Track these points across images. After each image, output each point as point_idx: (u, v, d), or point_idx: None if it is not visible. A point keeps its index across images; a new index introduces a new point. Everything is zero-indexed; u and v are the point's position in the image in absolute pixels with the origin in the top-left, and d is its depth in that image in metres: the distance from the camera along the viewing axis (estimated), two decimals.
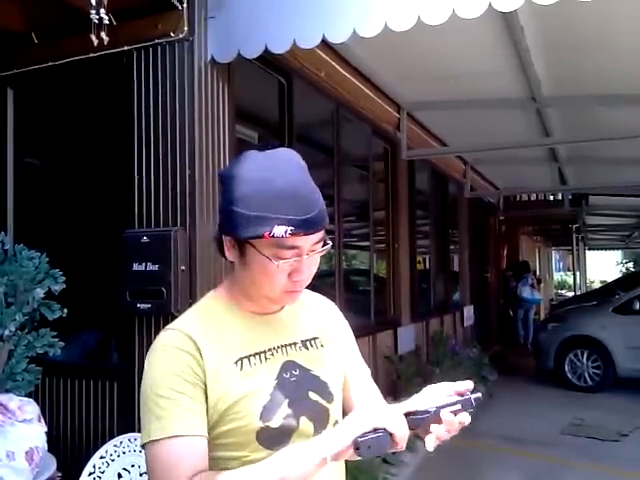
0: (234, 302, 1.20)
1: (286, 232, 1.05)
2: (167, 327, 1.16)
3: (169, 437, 1.05)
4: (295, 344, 1.22)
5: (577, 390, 7.79)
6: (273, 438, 1.10)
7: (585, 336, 8.00)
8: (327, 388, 1.21)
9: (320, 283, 6.45)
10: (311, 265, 1.14)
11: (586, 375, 7.92)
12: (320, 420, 1.17)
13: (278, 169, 1.10)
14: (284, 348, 1.20)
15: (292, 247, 1.09)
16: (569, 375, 8.02)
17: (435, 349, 7.04)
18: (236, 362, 1.13)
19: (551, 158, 7.89)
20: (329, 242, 1.14)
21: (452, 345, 7.35)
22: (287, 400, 1.13)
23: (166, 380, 1.08)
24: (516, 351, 11.09)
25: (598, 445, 5.50)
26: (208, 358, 1.10)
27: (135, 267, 2.97)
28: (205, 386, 1.09)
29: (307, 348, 1.23)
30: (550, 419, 6.25)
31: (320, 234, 1.12)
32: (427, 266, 8.08)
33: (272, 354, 1.17)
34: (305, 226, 1.07)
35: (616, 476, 4.76)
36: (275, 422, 1.11)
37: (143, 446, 1.09)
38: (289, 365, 1.18)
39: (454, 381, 1.13)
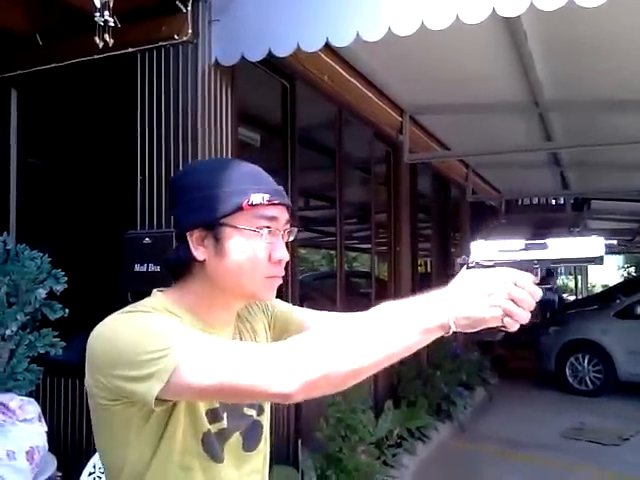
0: (183, 310, 1.14)
1: (263, 199, 1.09)
2: (129, 309, 1.09)
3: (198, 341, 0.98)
4: None
5: (578, 394, 7.79)
6: (211, 443, 1.10)
7: (586, 340, 8.01)
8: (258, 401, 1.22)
9: (321, 285, 6.46)
10: (285, 247, 1.15)
11: (587, 379, 7.92)
12: (252, 432, 1.19)
13: (235, 160, 1.21)
14: None
15: (271, 218, 1.11)
16: (570, 379, 8.02)
17: (435, 352, 7.04)
18: None
19: (553, 162, 7.88)
20: (295, 227, 1.17)
21: (453, 348, 7.33)
22: (225, 413, 1.14)
23: (158, 327, 1.01)
24: (517, 354, 11.07)
25: (599, 449, 5.50)
26: None
27: (137, 268, 2.98)
28: None
29: None
30: (551, 423, 6.25)
31: (287, 215, 1.15)
32: (428, 269, 8.08)
33: None
34: (278, 195, 1.12)
35: None
36: (215, 427, 1.12)
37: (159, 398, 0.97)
38: None
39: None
